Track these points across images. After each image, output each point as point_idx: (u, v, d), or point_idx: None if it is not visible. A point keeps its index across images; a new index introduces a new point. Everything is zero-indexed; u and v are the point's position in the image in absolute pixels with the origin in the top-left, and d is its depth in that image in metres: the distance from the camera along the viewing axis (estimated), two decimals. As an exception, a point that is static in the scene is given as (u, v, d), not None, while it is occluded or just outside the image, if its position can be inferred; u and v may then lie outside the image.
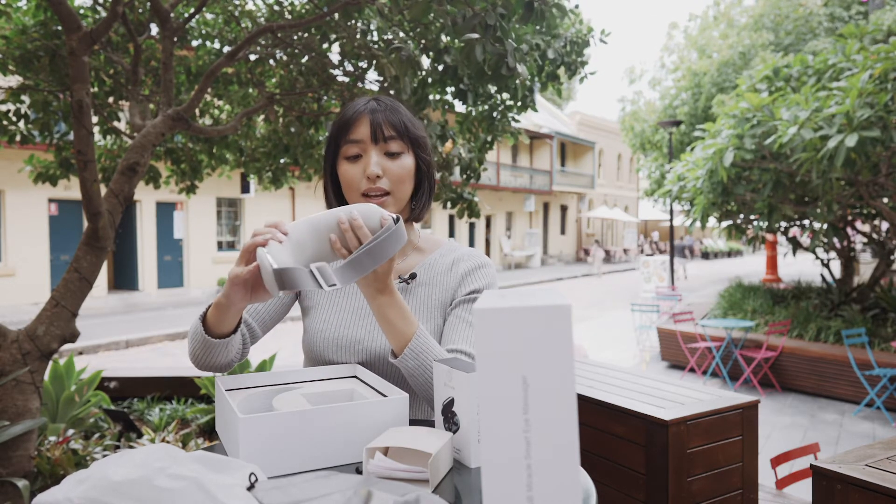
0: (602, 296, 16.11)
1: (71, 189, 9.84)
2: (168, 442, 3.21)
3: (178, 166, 4.54)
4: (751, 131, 6.27)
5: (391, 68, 2.78)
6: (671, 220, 13.69)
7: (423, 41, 3.17)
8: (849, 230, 9.02)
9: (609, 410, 2.63)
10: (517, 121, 4.13)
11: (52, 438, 2.97)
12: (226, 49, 4.01)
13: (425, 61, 3.16)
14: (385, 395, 1.02)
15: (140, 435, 3.44)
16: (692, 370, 7.47)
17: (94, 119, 3.82)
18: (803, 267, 19.06)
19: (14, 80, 3.79)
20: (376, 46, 3.23)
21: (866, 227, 9.62)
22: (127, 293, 14.39)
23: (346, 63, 3.51)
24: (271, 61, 3.86)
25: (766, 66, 7.38)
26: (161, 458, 0.68)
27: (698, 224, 7.87)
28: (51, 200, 12.69)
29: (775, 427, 5.48)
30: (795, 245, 8.96)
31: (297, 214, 17.42)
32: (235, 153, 4.69)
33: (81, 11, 3.63)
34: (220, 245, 16.11)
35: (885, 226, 8.98)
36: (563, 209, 29.99)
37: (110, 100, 4.07)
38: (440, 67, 3.12)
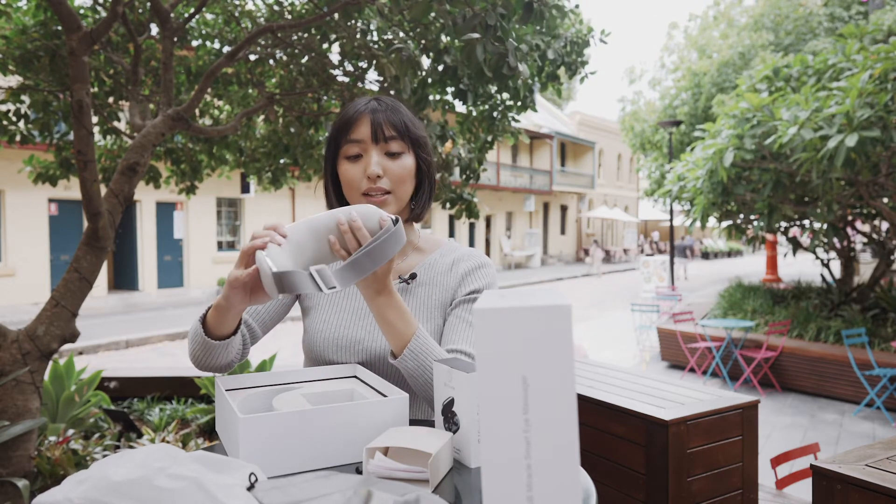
0: (602, 296, 16.11)
1: (71, 189, 9.84)
2: (168, 442, 3.21)
3: (178, 166, 4.54)
4: (751, 131, 6.27)
5: (391, 68, 2.78)
6: (671, 220, 13.69)
7: (423, 41, 3.17)
8: (849, 230, 9.02)
9: (609, 410, 2.63)
10: (517, 121, 4.13)
11: (52, 438, 2.97)
12: (226, 49, 4.01)
13: (425, 61, 3.16)
14: (385, 395, 1.02)
15: (140, 435, 3.44)
16: (692, 370, 7.47)
17: (94, 119, 3.82)
18: (803, 267, 19.06)
19: (14, 80, 3.79)
20: (376, 46, 3.22)
21: (866, 227, 9.62)
22: (127, 293, 14.39)
23: (346, 63, 3.51)
24: (271, 61, 3.86)
25: (766, 66, 7.38)
26: (161, 458, 0.68)
27: (698, 224, 7.87)
28: (51, 200, 12.69)
29: (775, 427, 5.48)
30: (795, 245, 8.96)
31: (297, 215, 17.42)
32: (235, 153, 4.69)
33: (81, 11, 3.63)
34: (220, 245, 16.12)
35: (885, 226, 8.98)
36: (563, 209, 29.99)
37: (110, 100, 4.07)
38: (440, 67, 3.12)
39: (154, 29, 3.61)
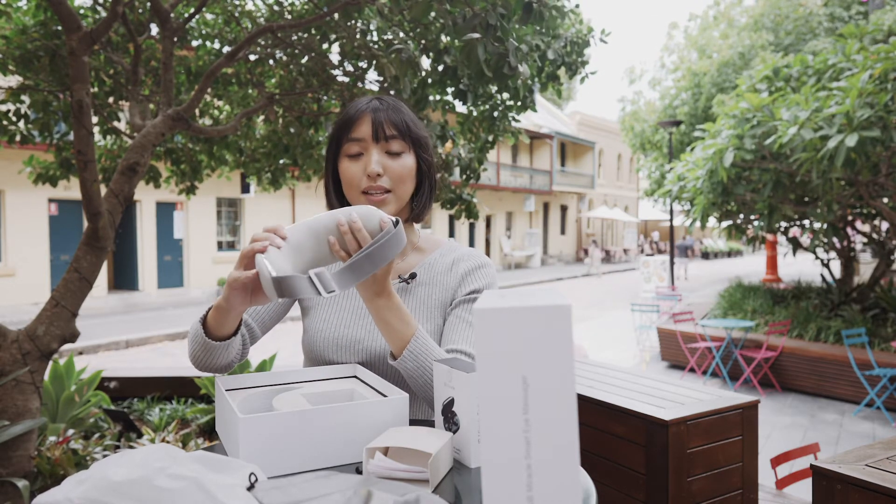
0: (602, 296, 16.11)
1: (71, 189, 9.83)
2: (168, 442, 3.21)
3: (178, 166, 4.54)
4: (751, 131, 6.27)
5: (391, 68, 2.77)
6: (671, 220, 13.69)
7: (423, 41, 3.17)
8: (849, 230, 9.02)
9: (609, 410, 2.63)
10: (517, 121, 4.13)
11: (52, 438, 2.97)
12: (226, 49, 4.01)
13: (425, 61, 3.16)
14: (385, 395, 1.02)
15: (140, 435, 3.44)
16: (692, 370, 7.47)
17: (94, 119, 3.82)
18: (803, 267, 19.06)
19: (14, 80, 3.79)
20: (376, 46, 3.22)
21: (866, 227, 9.62)
22: (127, 293, 14.39)
23: (346, 63, 3.51)
24: (271, 61, 3.86)
25: (766, 66, 7.38)
26: (161, 458, 0.68)
27: (698, 224, 7.87)
28: (51, 200, 12.69)
29: (775, 427, 5.48)
30: (795, 245, 8.96)
31: (297, 215, 17.42)
32: (235, 153, 4.69)
33: (81, 11, 3.63)
34: (220, 245, 16.12)
35: (885, 226, 8.98)
36: (563, 209, 29.98)
37: (110, 100, 4.07)
38: (440, 68, 3.13)
39: (154, 29, 3.61)
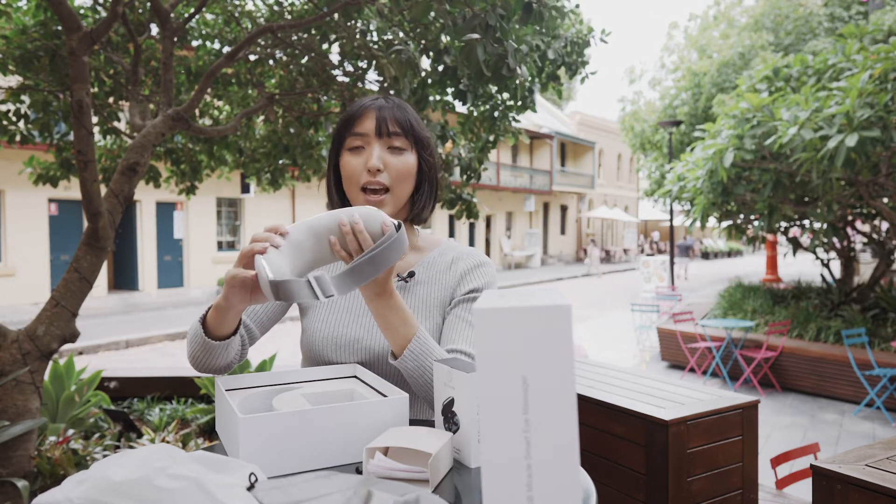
0: (602, 296, 16.11)
1: (71, 189, 9.83)
2: (168, 442, 3.21)
3: (178, 166, 4.54)
4: (751, 131, 6.27)
5: (391, 69, 2.77)
6: (671, 220, 13.69)
7: (423, 41, 3.17)
8: (849, 230, 9.02)
9: (609, 410, 2.63)
10: (517, 121, 4.13)
11: (52, 438, 2.97)
12: (226, 49, 4.01)
13: (425, 62, 3.16)
14: (385, 395, 1.02)
15: (140, 435, 3.44)
16: (692, 370, 7.47)
17: (94, 119, 3.82)
18: (803, 267, 19.06)
19: (14, 80, 3.79)
20: (376, 47, 3.22)
21: (866, 227, 9.62)
22: (127, 293, 14.39)
23: (345, 63, 3.50)
24: (271, 61, 3.86)
25: (766, 67, 7.38)
26: (161, 458, 0.68)
27: (698, 224, 7.87)
28: (51, 200, 12.69)
29: (775, 427, 5.48)
30: (795, 245, 8.96)
31: (297, 215, 17.42)
32: (235, 154, 4.69)
33: (81, 11, 3.63)
34: (220, 245, 16.12)
35: (885, 226, 8.98)
36: (563, 209, 29.98)
37: (110, 100, 4.07)
38: (440, 68, 3.13)
39: (154, 29, 3.61)
